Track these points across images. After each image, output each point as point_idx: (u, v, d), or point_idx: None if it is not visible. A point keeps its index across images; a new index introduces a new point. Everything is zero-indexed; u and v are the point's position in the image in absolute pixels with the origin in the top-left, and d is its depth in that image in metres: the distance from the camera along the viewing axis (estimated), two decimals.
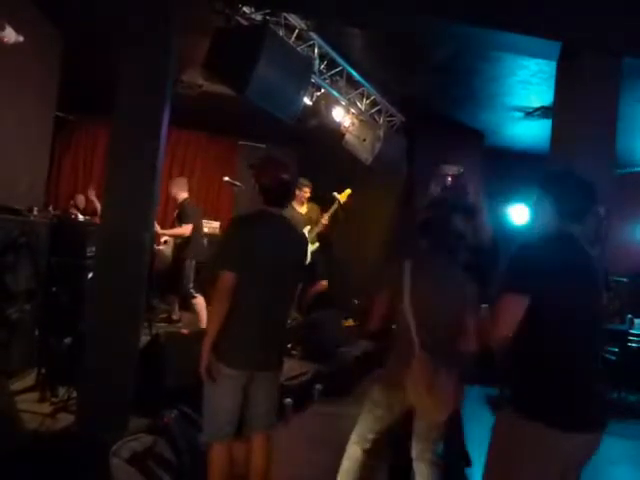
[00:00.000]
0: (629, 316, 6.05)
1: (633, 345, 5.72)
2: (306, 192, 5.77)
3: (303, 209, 5.81)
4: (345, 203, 5.88)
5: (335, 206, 5.83)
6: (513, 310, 1.70)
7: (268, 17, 3.98)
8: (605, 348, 4.99)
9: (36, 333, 3.86)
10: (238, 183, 5.90)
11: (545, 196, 1.86)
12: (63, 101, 5.14)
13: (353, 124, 5.91)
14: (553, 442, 1.65)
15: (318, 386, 4.43)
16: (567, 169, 1.95)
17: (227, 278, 2.23)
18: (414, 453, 2.47)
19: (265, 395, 2.43)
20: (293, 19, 4.23)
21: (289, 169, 2.39)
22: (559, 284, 1.70)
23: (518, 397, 1.76)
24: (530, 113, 5.59)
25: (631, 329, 5.89)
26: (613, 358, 5.61)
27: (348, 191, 5.84)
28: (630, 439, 4.51)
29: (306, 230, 5.52)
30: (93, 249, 3.90)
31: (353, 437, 2.54)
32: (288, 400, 3.84)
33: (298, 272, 2.49)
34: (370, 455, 2.51)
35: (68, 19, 4.40)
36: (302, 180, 5.61)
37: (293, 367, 4.34)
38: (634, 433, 4.70)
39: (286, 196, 2.41)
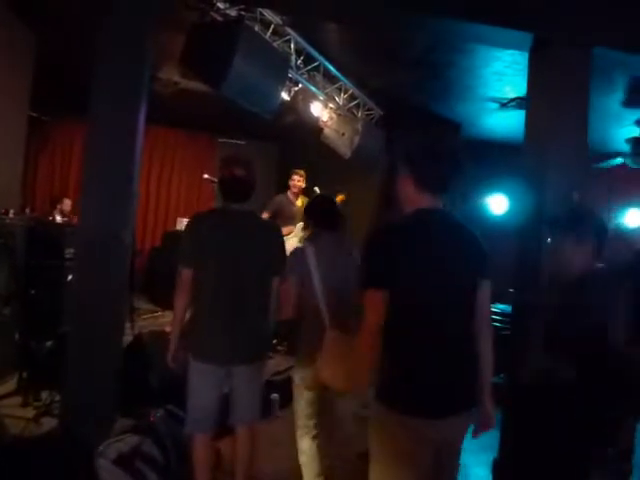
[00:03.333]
0: None
1: None
2: (298, 181, 5.44)
3: (298, 202, 5.51)
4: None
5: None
6: (375, 305, 1.56)
7: (243, 12, 3.96)
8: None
9: (16, 337, 3.80)
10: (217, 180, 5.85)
11: (404, 169, 1.67)
12: (38, 101, 5.05)
13: (331, 118, 5.92)
14: (414, 429, 1.58)
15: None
16: (428, 142, 1.66)
17: (184, 274, 2.36)
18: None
19: (246, 389, 2.48)
20: (268, 14, 4.21)
21: (244, 166, 2.43)
22: (408, 268, 1.57)
23: (379, 388, 1.64)
24: (505, 104, 5.67)
25: None
26: None
27: (341, 197, 5.56)
28: None
29: (299, 226, 5.33)
30: (72, 250, 3.85)
31: (298, 432, 2.61)
32: (274, 395, 3.85)
33: (267, 265, 2.45)
34: (322, 440, 2.59)
35: (41, 17, 4.33)
36: (293, 171, 5.49)
37: (279, 363, 4.34)
38: None
39: (241, 192, 2.43)
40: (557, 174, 2.91)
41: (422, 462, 1.62)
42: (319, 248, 2.43)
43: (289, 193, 5.48)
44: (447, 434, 1.66)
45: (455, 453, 1.76)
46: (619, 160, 6.01)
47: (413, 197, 1.66)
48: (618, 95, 5.09)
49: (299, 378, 2.59)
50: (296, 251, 2.57)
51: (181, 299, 2.39)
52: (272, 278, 2.48)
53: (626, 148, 5.82)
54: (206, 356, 2.36)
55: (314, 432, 2.57)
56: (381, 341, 1.57)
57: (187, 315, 2.47)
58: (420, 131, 1.71)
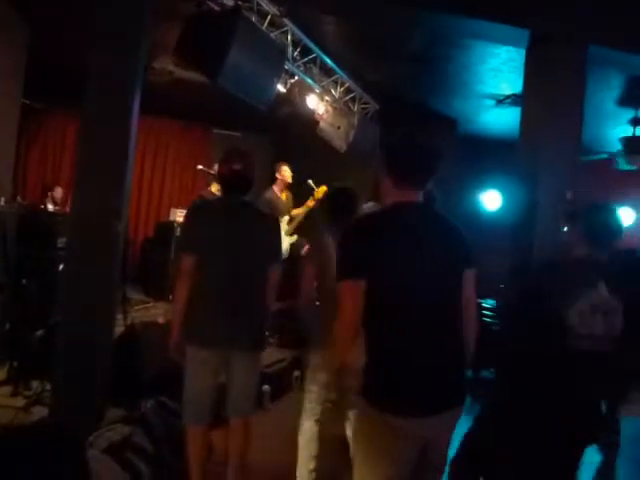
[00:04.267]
0: None
1: None
2: (284, 176, 5.45)
3: (283, 196, 5.53)
4: (320, 198, 5.64)
5: (310, 201, 5.61)
6: (353, 296, 1.55)
7: (240, 2, 3.93)
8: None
9: (7, 326, 3.79)
10: (212, 171, 5.82)
11: (384, 165, 1.69)
12: (31, 89, 4.99)
13: (327, 111, 5.90)
14: (398, 427, 1.56)
15: (296, 373, 4.47)
16: (407, 135, 1.70)
17: (186, 261, 2.38)
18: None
19: (243, 379, 2.49)
20: (266, 5, 4.18)
21: (243, 160, 2.48)
22: (386, 259, 1.57)
23: (363, 385, 1.63)
24: (501, 101, 5.68)
25: None
26: None
27: (324, 188, 5.59)
28: None
29: (285, 220, 5.38)
30: (64, 240, 3.83)
31: (304, 414, 2.66)
32: (266, 387, 3.87)
33: (265, 254, 2.52)
34: (324, 426, 2.65)
35: (36, 4, 4.27)
36: (281, 164, 5.48)
37: (271, 354, 4.36)
38: None
39: (239, 184, 2.48)
40: (551, 172, 2.93)
41: (405, 459, 1.62)
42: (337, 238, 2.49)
43: (275, 187, 5.43)
44: (432, 431, 1.64)
45: (442, 450, 1.75)
46: (605, 155, 6.02)
47: (392, 192, 1.68)
48: (613, 94, 5.10)
49: (314, 363, 2.64)
50: (316, 241, 2.66)
51: (183, 287, 2.40)
52: (269, 267, 2.52)
53: (619, 147, 5.85)
54: (204, 342, 2.38)
55: (318, 416, 2.63)
56: (363, 338, 1.57)
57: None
58: (403, 128, 1.72)
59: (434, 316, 1.64)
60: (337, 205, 2.70)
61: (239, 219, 2.48)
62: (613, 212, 2.16)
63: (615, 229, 2.13)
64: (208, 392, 2.44)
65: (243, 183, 2.49)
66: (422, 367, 1.61)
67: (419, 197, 1.69)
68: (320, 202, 2.89)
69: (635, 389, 2.26)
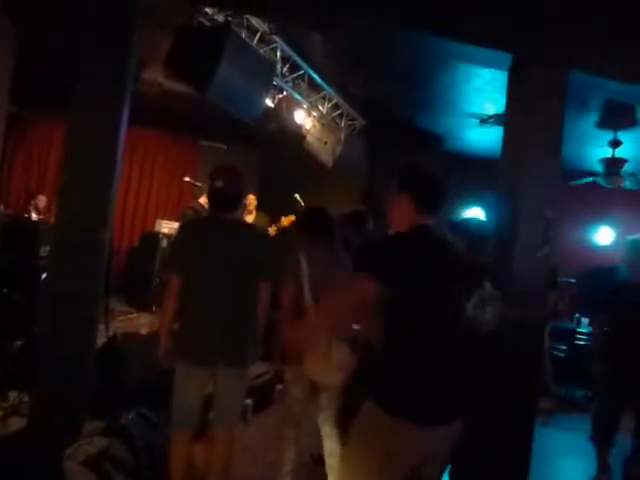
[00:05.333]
0: (577, 315, 6.35)
1: (580, 343, 6.01)
2: (252, 201, 6.06)
3: (250, 218, 5.98)
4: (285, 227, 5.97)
5: (273, 229, 6.02)
6: (361, 290, 1.68)
7: (230, 18, 3.99)
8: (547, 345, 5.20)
9: None
10: (199, 183, 5.85)
11: (403, 192, 1.90)
12: (16, 96, 4.97)
13: (314, 127, 5.97)
14: (407, 435, 1.67)
15: (279, 386, 4.45)
16: (422, 168, 1.99)
17: (174, 281, 2.42)
18: (319, 419, 2.70)
19: (229, 392, 2.54)
20: (256, 22, 4.25)
21: (225, 176, 2.51)
22: (406, 276, 1.71)
23: (375, 390, 1.76)
24: (485, 120, 5.80)
25: (578, 327, 6.19)
26: (562, 355, 5.89)
27: (290, 218, 5.89)
28: (576, 432, 4.74)
29: None
30: (47, 249, 3.79)
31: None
32: (248, 401, 3.85)
33: (253, 271, 2.53)
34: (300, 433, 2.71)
35: (24, 11, 4.27)
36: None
37: (254, 368, 4.33)
38: (580, 426, 4.94)
39: (226, 200, 2.51)
40: (531, 191, 2.99)
41: (405, 464, 1.72)
42: (312, 258, 2.59)
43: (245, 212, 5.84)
44: (435, 443, 1.74)
45: (440, 464, 1.88)
46: (590, 179, 6.19)
47: (412, 215, 1.88)
48: (592, 116, 5.25)
49: (288, 377, 2.73)
50: (295, 260, 2.67)
51: (169, 305, 2.45)
52: (258, 284, 2.56)
53: (599, 168, 5.99)
54: (192, 358, 2.43)
55: (296, 423, 2.68)
56: (384, 344, 1.72)
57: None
58: (412, 154, 1.99)
59: (445, 332, 1.81)
60: (317, 226, 2.73)
61: (227, 237, 2.50)
62: (479, 223, 2.73)
63: (480, 239, 2.72)
64: (195, 403, 2.49)
65: (228, 200, 2.51)
66: (435, 379, 1.76)
67: (434, 220, 1.93)
68: (299, 222, 2.94)
69: None
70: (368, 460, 1.71)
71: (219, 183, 2.48)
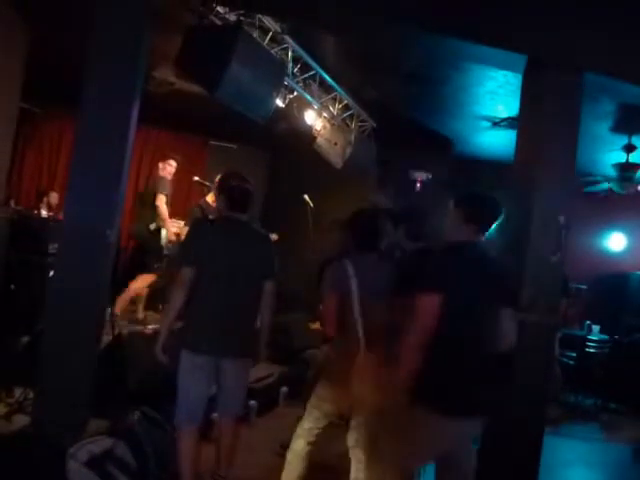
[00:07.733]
0: (587, 322, 6.26)
1: (591, 350, 5.92)
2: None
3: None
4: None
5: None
6: (431, 308, 1.94)
7: (242, 18, 3.96)
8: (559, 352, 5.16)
9: None
10: (208, 183, 5.83)
11: (458, 211, 2.18)
12: (29, 93, 4.99)
13: (325, 128, 5.94)
14: (441, 426, 1.99)
15: (284, 389, 4.42)
16: (479, 191, 2.28)
17: (185, 272, 2.51)
18: (350, 441, 2.66)
19: (234, 382, 2.62)
20: (268, 21, 4.22)
21: (243, 178, 2.69)
22: (457, 285, 1.99)
23: (419, 385, 1.97)
24: (497, 123, 5.74)
25: (589, 335, 6.10)
26: (572, 362, 5.80)
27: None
28: (585, 441, 4.67)
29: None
30: (56, 246, 3.79)
31: (299, 431, 2.66)
32: (252, 402, 3.82)
33: (259, 270, 2.66)
34: (313, 447, 2.67)
35: (36, 7, 4.28)
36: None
37: (259, 369, 4.31)
38: (588, 435, 4.87)
39: (243, 201, 2.66)
40: (544, 196, 2.95)
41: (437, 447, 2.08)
42: (359, 267, 2.52)
43: (207, 198, 5.53)
44: (462, 434, 2.10)
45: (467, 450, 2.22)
46: (605, 185, 6.10)
47: (466, 232, 2.16)
48: (607, 120, 5.17)
49: (322, 393, 2.64)
50: (337, 268, 2.60)
51: (178, 296, 2.52)
52: (263, 282, 2.67)
53: (612, 172, 5.91)
54: (199, 349, 2.52)
55: (312, 439, 2.64)
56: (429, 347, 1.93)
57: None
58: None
59: (477, 333, 2.07)
60: (366, 231, 2.67)
61: (237, 237, 2.64)
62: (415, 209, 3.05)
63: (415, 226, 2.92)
64: (200, 395, 2.55)
65: (245, 201, 2.66)
66: (472, 377, 2.05)
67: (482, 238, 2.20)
68: (347, 227, 2.83)
69: None
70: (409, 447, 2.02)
71: (246, 183, 2.65)
